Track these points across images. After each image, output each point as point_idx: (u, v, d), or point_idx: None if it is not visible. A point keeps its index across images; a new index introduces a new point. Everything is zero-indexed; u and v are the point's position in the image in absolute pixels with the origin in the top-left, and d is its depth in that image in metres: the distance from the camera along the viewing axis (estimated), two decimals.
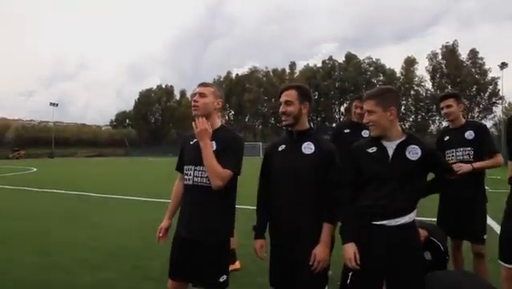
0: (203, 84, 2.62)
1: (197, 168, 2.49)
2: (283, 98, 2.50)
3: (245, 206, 4.13)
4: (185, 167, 2.60)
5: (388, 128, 2.33)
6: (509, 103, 60.63)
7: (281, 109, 2.50)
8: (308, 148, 2.43)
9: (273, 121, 74.57)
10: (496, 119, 58.96)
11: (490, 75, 60.10)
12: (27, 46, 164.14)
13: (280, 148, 2.55)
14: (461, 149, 3.60)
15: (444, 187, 2.75)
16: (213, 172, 2.37)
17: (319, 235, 2.36)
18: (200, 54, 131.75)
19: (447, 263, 3.23)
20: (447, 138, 3.72)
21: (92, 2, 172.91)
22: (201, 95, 2.54)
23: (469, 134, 3.58)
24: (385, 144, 2.35)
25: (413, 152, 2.28)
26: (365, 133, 4.11)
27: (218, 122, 2.62)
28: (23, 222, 7.72)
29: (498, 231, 2.71)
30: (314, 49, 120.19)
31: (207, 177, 2.42)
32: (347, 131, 4.25)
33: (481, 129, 3.62)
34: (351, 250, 2.26)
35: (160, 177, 18.01)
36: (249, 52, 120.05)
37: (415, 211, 2.31)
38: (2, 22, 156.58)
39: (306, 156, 2.42)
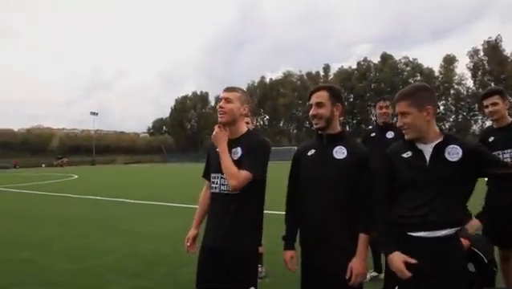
0: (228, 89, 2.52)
1: (223, 175, 2.40)
2: (314, 100, 2.35)
3: (278, 212, 4.03)
4: (212, 175, 2.52)
5: (425, 129, 2.11)
6: None
7: (312, 112, 2.34)
8: (340, 152, 2.27)
9: (307, 125, 74.05)
10: None
11: None
12: (66, 58, 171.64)
13: (309, 153, 2.39)
14: (509, 151, 3.29)
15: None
16: (228, 172, 2.29)
17: (352, 244, 2.20)
18: (233, 60, 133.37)
19: (495, 276, 2.94)
20: (492, 139, 3.41)
21: (128, 13, 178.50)
22: (227, 100, 2.45)
23: None
24: (421, 147, 2.14)
25: (453, 153, 2.05)
26: (390, 134, 4.03)
27: (245, 128, 2.53)
28: (62, 228, 7.94)
29: None
30: (348, 51, 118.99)
31: None
32: (373, 135, 4.24)
33: None
34: (398, 259, 2.05)
35: (195, 183, 18.17)
36: (283, 56, 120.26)
37: (460, 224, 2.09)
38: (41, 35, 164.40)
39: (337, 162, 2.25)
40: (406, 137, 2.19)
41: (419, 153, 2.13)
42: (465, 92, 64.32)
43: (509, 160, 3.26)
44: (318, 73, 77.51)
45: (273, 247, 4.21)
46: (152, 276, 4.74)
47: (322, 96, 2.34)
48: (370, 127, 4.25)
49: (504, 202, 3.22)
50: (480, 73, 61.61)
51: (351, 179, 2.22)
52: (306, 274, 2.37)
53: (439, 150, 2.09)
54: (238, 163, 2.33)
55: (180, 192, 15.28)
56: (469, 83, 63.65)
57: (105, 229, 7.76)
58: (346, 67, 74.23)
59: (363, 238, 2.21)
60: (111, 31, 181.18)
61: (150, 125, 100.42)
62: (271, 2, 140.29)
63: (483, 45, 61.38)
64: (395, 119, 4.33)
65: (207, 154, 2.69)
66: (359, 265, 2.17)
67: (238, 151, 2.38)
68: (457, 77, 64.41)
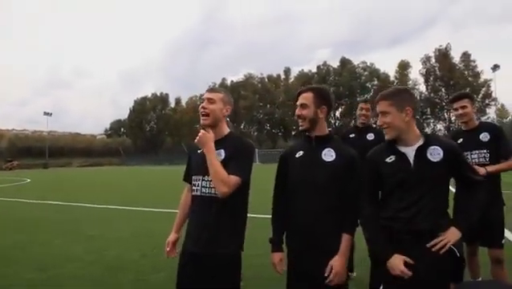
0: (211, 90, 2.50)
1: (205, 178, 2.37)
2: (299, 101, 2.39)
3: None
4: (193, 177, 2.48)
5: (405, 129, 2.20)
6: (502, 105, 61.05)
7: (296, 112, 2.38)
8: (329, 155, 2.30)
9: (268, 127, 74.57)
10: (490, 120, 59.38)
11: (483, 77, 60.71)
12: (21, 55, 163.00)
13: (297, 155, 2.40)
14: (477, 152, 3.49)
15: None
16: (218, 178, 2.24)
17: (338, 246, 2.24)
18: (195, 61, 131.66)
19: (463, 270, 3.10)
20: (461, 140, 3.59)
21: (87, 10, 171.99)
22: (210, 101, 2.42)
23: (485, 136, 3.47)
24: (403, 150, 2.21)
25: (435, 154, 2.14)
26: (370, 136, 4.08)
27: (227, 129, 2.51)
28: (22, 235, 7.52)
29: None
30: (309, 54, 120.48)
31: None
32: (352, 136, 4.26)
33: (496, 130, 3.52)
34: (399, 262, 2.07)
35: (155, 186, 17.83)
36: (245, 59, 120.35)
37: (444, 220, 2.17)
38: None
39: (326, 164, 2.28)
40: (386, 137, 2.26)
41: (402, 156, 2.19)
42: (418, 97, 67.00)
43: (476, 160, 3.47)
44: (279, 76, 78.15)
45: (260, 250, 4.20)
46: (119, 283, 4.58)
47: (306, 98, 2.37)
48: (344, 130, 4.28)
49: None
50: (432, 79, 64.33)
51: (341, 182, 2.25)
52: (294, 278, 2.37)
53: (421, 151, 2.16)
54: (222, 165, 2.30)
55: (141, 195, 14.96)
56: (422, 88, 66.32)
57: (67, 236, 7.44)
58: (306, 70, 75.29)
59: (346, 237, 2.25)
60: (70, 29, 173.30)
61: (108, 126, 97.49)
62: (236, 5, 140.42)
63: (434, 52, 64.28)
64: (372, 120, 4.45)
65: (188, 156, 2.65)
66: (339, 264, 2.20)
67: (221, 153, 2.36)
68: (410, 82, 66.82)
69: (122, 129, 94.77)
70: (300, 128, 2.39)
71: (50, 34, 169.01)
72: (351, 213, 2.27)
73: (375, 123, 4.18)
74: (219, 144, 2.39)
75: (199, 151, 2.43)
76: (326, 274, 2.18)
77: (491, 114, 59.35)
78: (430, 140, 2.21)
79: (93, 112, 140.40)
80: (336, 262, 2.20)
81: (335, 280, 2.19)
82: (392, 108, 2.20)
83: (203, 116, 2.42)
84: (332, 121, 72.05)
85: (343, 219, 2.26)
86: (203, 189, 2.39)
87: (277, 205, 2.50)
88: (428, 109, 62.17)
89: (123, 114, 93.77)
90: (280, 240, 2.45)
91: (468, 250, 3.62)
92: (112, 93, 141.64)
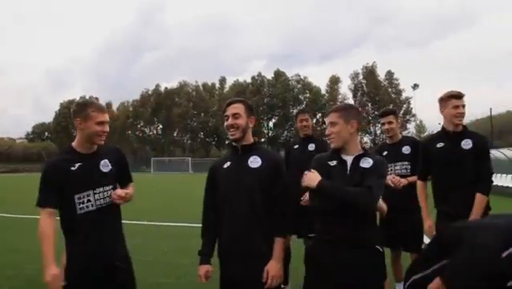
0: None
1: (97, 191, 2.49)
2: (231, 110, 2.46)
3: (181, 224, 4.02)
4: (77, 196, 2.46)
5: (348, 140, 2.39)
6: (420, 121, 66.28)
7: (229, 122, 2.44)
8: (255, 161, 2.40)
9: (202, 136, 74.05)
10: (410, 135, 63.94)
11: (404, 95, 65.64)
12: None
13: (225, 166, 2.48)
14: (399, 164, 3.80)
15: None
16: None
17: (269, 250, 2.33)
18: (128, 65, 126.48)
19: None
20: (385, 153, 3.89)
21: (18, 4, 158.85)
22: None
23: (406, 149, 3.79)
24: (345, 157, 2.39)
25: (366, 162, 2.35)
26: (311, 146, 4.21)
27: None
28: None
29: None
30: (244, 65, 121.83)
31: None
32: (296, 147, 4.37)
33: (416, 144, 3.81)
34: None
35: None
36: (180, 65, 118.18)
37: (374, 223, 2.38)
38: None
39: (253, 170, 2.38)
40: (332, 146, 2.44)
41: (343, 162, 2.38)
42: None
43: (399, 171, 3.78)
44: (214, 85, 78.10)
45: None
46: None
47: (238, 108, 2.46)
48: (287, 143, 4.41)
49: (393, 207, 3.69)
50: (359, 94, 68.10)
51: (267, 186, 2.36)
52: (226, 286, 2.44)
53: (357, 160, 2.36)
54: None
55: None
56: (351, 102, 69.85)
57: None
58: (241, 80, 76.09)
59: (279, 241, 2.35)
60: None
61: (29, 130, 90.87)
62: (173, 10, 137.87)
63: (362, 69, 68.26)
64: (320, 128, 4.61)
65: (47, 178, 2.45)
66: (274, 267, 2.29)
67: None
68: (340, 96, 70.16)
69: (46, 133, 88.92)
70: (231, 136, 2.45)
71: None
72: (281, 217, 2.37)
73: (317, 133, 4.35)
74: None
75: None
76: (263, 280, 2.26)
77: (411, 129, 64.17)
78: (367, 154, 2.41)
79: (13, 114, 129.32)
80: (271, 266, 2.29)
81: (272, 284, 2.27)
82: (340, 120, 2.39)
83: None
84: (265, 131, 73.41)
85: (273, 223, 2.35)
86: (98, 202, 2.46)
87: (205, 219, 2.56)
88: None
89: (48, 117, 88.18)
90: (208, 252, 2.50)
91: (392, 255, 3.93)
92: (35, 94, 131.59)
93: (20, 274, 5.30)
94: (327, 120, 2.49)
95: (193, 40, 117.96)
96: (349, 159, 2.38)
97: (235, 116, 2.43)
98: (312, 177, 2.29)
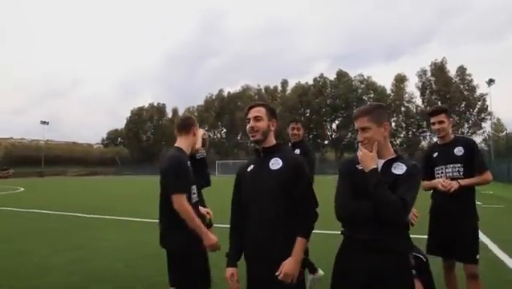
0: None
1: None
2: (252, 114, 2.46)
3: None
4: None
5: (382, 144, 2.24)
6: (498, 119, 61.31)
7: (250, 125, 2.45)
8: (276, 163, 2.38)
9: None
10: (485, 134, 59.73)
11: (479, 92, 61.19)
12: (17, 63, 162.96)
13: (249, 169, 2.50)
14: (451, 166, 3.49)
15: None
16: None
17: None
18: (192, 72, 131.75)
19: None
20: (436, 154, 3.62)
21: (85, 17, 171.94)
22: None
23: (459, 150, 3.48)
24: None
25: (399, 168, 2.20)
26: (297, 151, 4.28)
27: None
28: (4, 245, 7.48)
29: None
30: (306, 66, 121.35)
31: None
32: None
33: (470, 145, 3.53)
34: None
35: (150, 197, 17.63)
36: (242, 70, 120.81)
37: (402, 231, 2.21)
38: None
39: (274, 172, 2.35)
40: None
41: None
42: (414, 110, 67.34)
43: (450, 174, 3.47)
44: (276, 88, 78.57)
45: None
46: None
47: (260, 111, 2.47)
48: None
49: (446, 213, 3.41)
50: (428, 92, 64.81)
51: (289, 187, 2.31)
52: (251, 287, 2.41)
53: (388, 165, 2.22)
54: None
55: (135, 205, 14.86)
56: (418, 101, 66.76)
57: (51, 245, 7.37)
58: (303, 82, 75.71)
59: (300, 241, 2.29)
60: (68, 38, 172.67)
61: (104, 136, 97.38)
62: (234, 16, 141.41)
63: (430, 66, 64.84)
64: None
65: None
66: (290, 265, 2.24)
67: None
68: (407, 95, 67.41)
69: (119, 139, 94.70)
70: (252, 138, 2.46)
71: (46, 43, 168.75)
72: (303, 217, 2.32)
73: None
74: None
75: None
76: (276, 273, 2.22)
77: (487, 128, 59.74)
78: (400, 158, 2.26)
79: (90, 122, 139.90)
80: (288, 264, 2.24)
81: (284, 279, 2.22)
82: (372, 124, 2.23)
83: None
84: (328, 133, 72.37)
85: (296, 225, 2.30)
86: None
87: (233, 221, 2.57)
88: (425, 122, 62.29)
89: (121, 124, 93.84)
90: (236, 255, 2.50)
91: (444, 264, 3.60)
92: (109, 102, 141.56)
93: (81, 270, 5.57)
94: (356, 125, 2.31)
95: (255, 45, 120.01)
96: (380, 163, 2.23)
97: (256, 118, 2.45)
98: (369, 159, 2.19)
